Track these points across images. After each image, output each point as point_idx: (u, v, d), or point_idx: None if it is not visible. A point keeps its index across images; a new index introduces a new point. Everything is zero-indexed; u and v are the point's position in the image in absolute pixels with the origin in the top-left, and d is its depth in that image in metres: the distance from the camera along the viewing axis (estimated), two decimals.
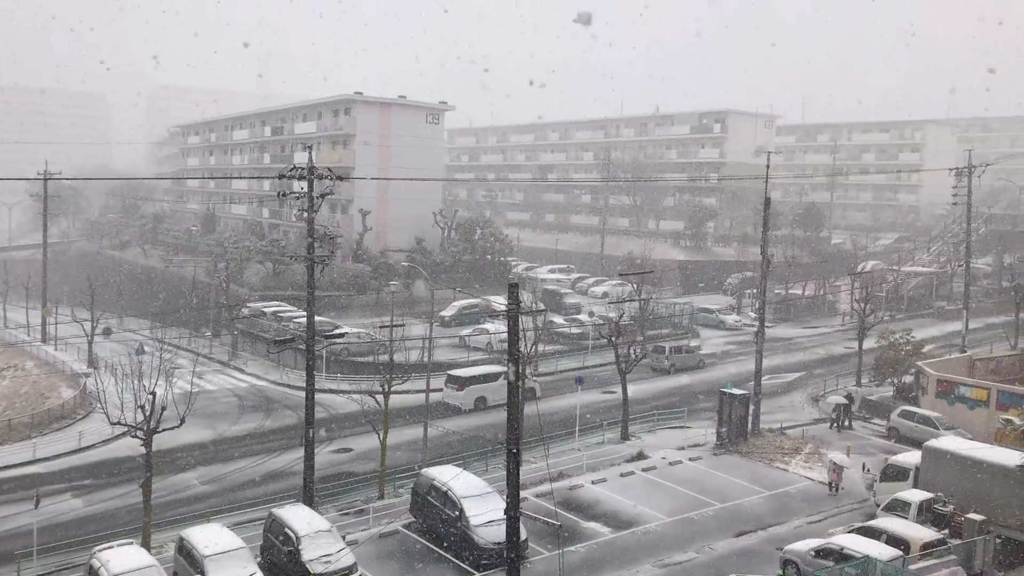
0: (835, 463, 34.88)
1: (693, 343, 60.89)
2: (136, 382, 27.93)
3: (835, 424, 43.51)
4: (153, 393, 27.82)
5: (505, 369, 48.86)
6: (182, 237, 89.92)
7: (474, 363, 53.30)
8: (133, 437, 28.81)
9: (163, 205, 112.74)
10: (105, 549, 25.33)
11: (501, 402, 42.90)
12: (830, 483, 34.94)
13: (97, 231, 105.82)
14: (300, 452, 33.81)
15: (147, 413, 27.85)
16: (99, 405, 30.42)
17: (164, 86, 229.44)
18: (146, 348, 48.88)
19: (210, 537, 26.06)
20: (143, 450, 28.41)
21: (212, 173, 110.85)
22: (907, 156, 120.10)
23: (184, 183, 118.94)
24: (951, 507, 28.90)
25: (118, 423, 28.55)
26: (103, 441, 40.90)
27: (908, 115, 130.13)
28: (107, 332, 60.16)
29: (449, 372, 48.23)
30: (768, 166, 47.40)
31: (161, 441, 29.80)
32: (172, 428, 28.85)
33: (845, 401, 43.87)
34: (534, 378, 46.75)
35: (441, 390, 46.41)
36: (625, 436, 41.26)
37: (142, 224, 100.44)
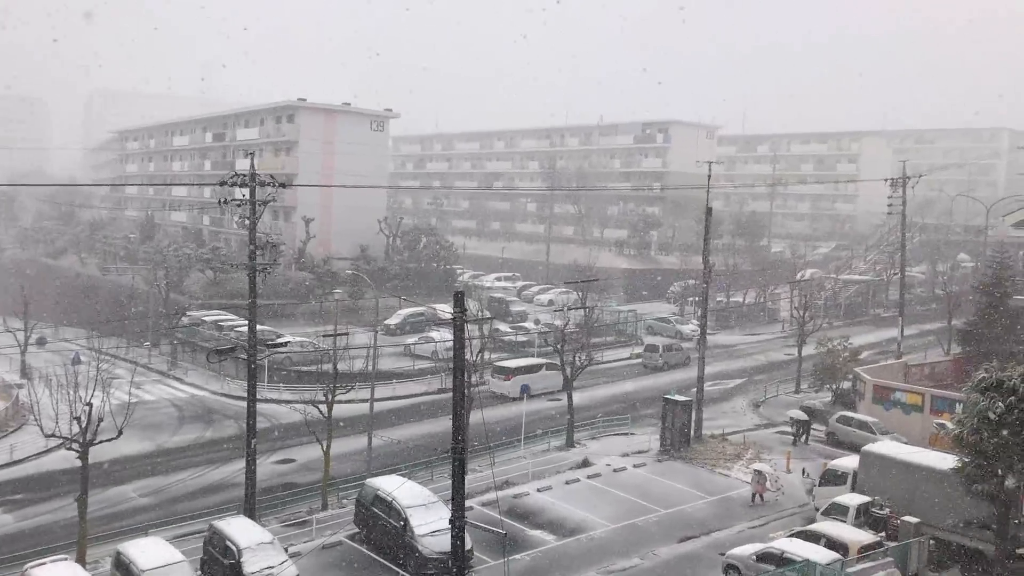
0: (758, 472, 34.91)
1: (684, 344, 62.48)
2: (72, 393, 27.25)
3: (796, 440, 42.47)
4: (89, 404, 27.18)
5: (545, 361, 52.74)
6: (120, 245, 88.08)
7: (420, 372, 53.39)
8: (68, 449, 28.11)
9: (101, 212, 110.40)
10: (38, 566, 24.61)
11: (543, 391, 50.16)
12: (753, 493, 34.74)
13: (31, 238, 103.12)
14: (241, 463, 33.26)
15: (83, 425, 27.19)
16: (32, 417, 29.59)
17: (101, 90, 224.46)
18: (82, 358, 47.74)
19: (148, 551, 25.49)
20: (79, 463, 27.73)
21: (152, 179, 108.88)
22: (844, 167, 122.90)
23: (123, 190, 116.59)
24: (888, 510, 29.57)
25: (52, 435, 27.81)
26: (36, 454, 39.78)
27: (846, 126, 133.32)
28: (41, 342, 58.66)
29: (496, 364, 51.85)
30: (709, 176, 48.10)
31: (98, 453, 29.11)
32: (109, 440, 28.17)
33: (805, 417, 43.13)
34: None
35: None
36: (571, 443, 41.43)
37: (78, 231, 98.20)
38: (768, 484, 34.89)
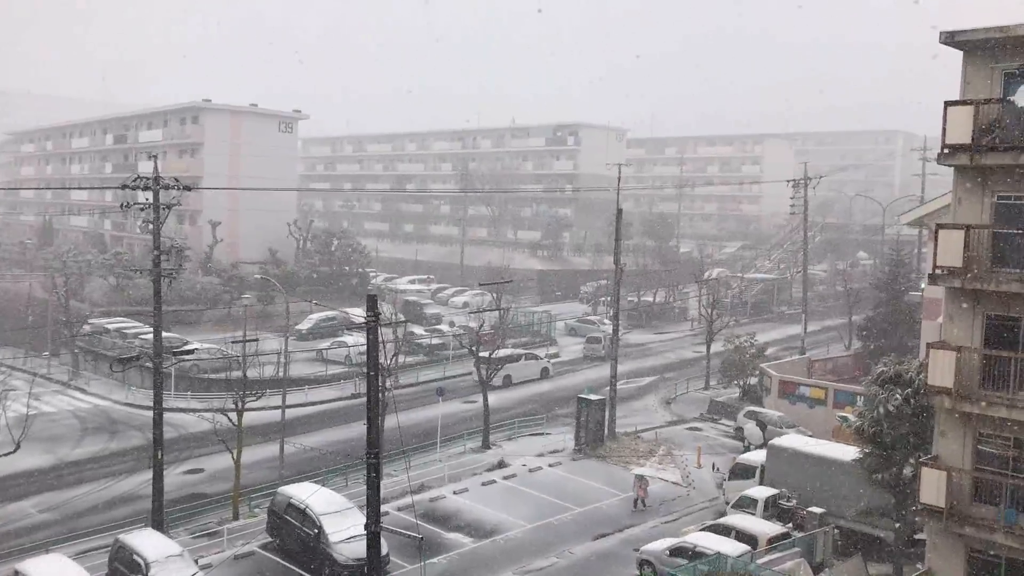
0: (639, 477, 34.54)
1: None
2: None
3: (747, 448, 39.72)
4: None
5: (525, 351, 55.64)
6: (16, 250, 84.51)
7: (333, 377, 52.78)
8: None
9: None
10: None
11: (524, 379, 54.00)
12: (635, 499, 34.10)
13: None
14: (148, 475, 32.26)
15: None
16: None
17: None
18: None
19: (50, 569, 24.57)
20: None
21: (49, 183, 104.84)
22: (749, 168, 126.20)
23: (17, 193, 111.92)
24: (794, 502, 30.50)
25: None
26: None
27: (749, 128, 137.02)
28: None
29: (479, 354, 50.42)
30: (619, 178, 48.84)
31: None
32: (6, 454, 27.02)
33: (759, 431, 40.67)
34: None
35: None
36: (486, 445, 41.48)
37: None
38: (649, 488, 34.38)
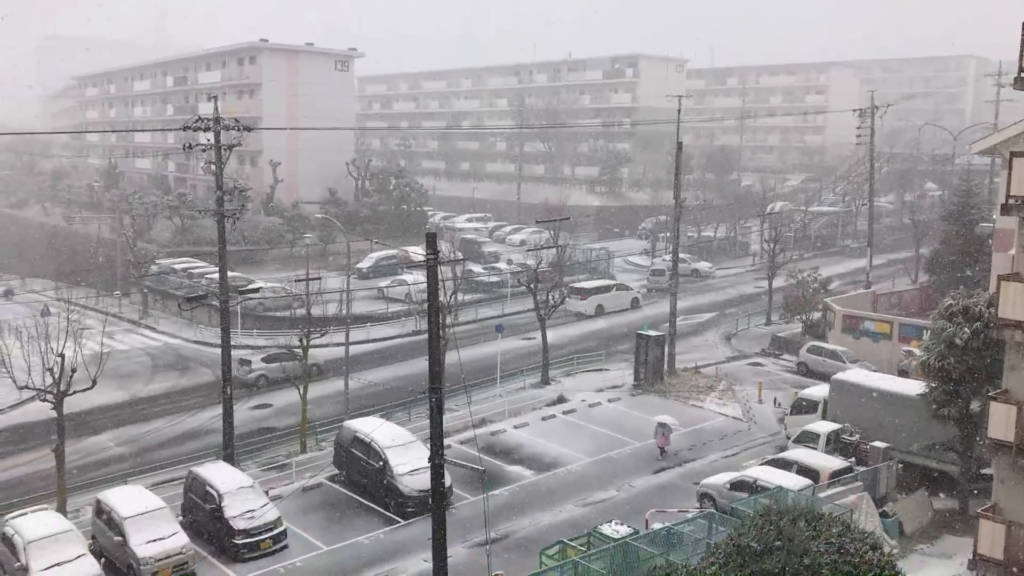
0: (661, 425, 33.08)
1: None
2: (43, 344, 27.02)
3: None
4: (62, 355, 26.98)
5: (616, 282, 57.77)
6: (84, 194, 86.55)
7: (394, 314, 53.51)
8: (43, 401, 27.97)
9: (62, 161, 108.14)
10: (19, 516, 24.67)
11: (615, 309, 56.32)
12: (659, 447, 32.95)
13: None
14: (218, 410, 33.29)
15: (56, 376, 27.02)
16: (4, 369, 29.31)
17: (52, 36, 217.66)
18: (52, 309, 47.22)
19: (129, 498, 25.62)
20: (54, 414, 27.63)
21: (113, 126, 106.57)
22: (813, 98, 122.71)
23: (84, 137, 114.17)
24: (857, 436, 30.24)
25: (26, 387, 27.67)
26: (10, 406, 39.52)
27: (814, 57, 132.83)
28: (8, 294, 57.95)
29: (572, 285, 55.68)
30: (679, 110, 47.91)
31: (72, 404, 28.97)
32: (83, 390, 28.06)
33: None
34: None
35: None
36: (545, 381, 41.80)
37: (40, 181, 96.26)
38: (672, 436, 33.27)
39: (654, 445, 33.15)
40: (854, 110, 60.16)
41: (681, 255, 69.50)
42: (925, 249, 57.33)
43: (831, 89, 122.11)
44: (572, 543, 23.00)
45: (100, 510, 25.64)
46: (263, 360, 42.98)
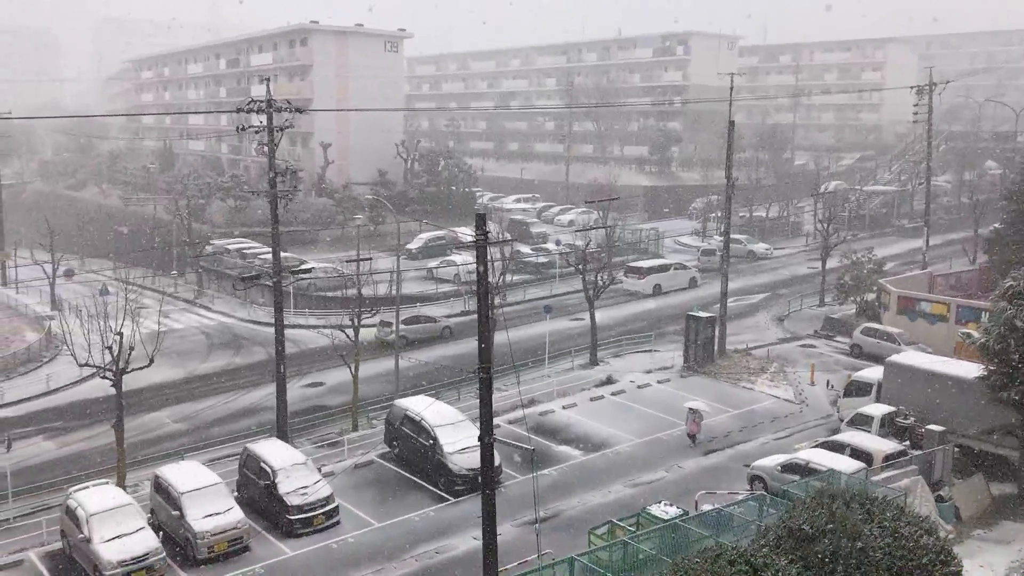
0: (693, 411, 32.20)
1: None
2: (102, 323, 27.66)
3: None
4: (120, 334, 27.60)
5: (674, 262, 57.72)
6: (140, 175, 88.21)
7: (443, 295, 53.78)
8: (102, 378, 28.65)
9: (118, 143, 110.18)
10: (81, 489, 25.38)
11: (673, 288, 56.12)
12: (689, 434, 32.23)
13: (52, 171, 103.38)
14: (271, 388, 33.87)
15: (115, 354, 27.67)
16: (65, 347, 30.10)
17: (109, 19, 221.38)
18: (110, 289, 48.30)
19: (186, 474, 26.21)
20: (112, 391, 28.31)
21: (168, 108, 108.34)
22: (869, 75, 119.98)
23: (139, 119, 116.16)
24: (912, 419, 29.74)
25: (86, 364, 28.39)
26: (71, 383, 40.62)
27: (870, 33, 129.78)
28: (69, 274, 59.31)
29: (629, 264, 57.44)
30: (732, 88, 47.22)
31: (130, 381, 29.66)
32: (141, 368, 28.70)
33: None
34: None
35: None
36: (594, 361, 41.74)
37: (98, 163, 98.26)
38: (703, 422, 32.52)
39: (705, 426, 32.81)
40: (912, 87, 58.71)
41: (737, 236, 68.84)
42: (984, 229, 55.90)
43: (888, 66, 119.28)
44: (621, 523, 23.02)
45: (159, 486, 26.28)
46: (403, 322, 45.07)
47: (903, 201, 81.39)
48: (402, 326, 44.74)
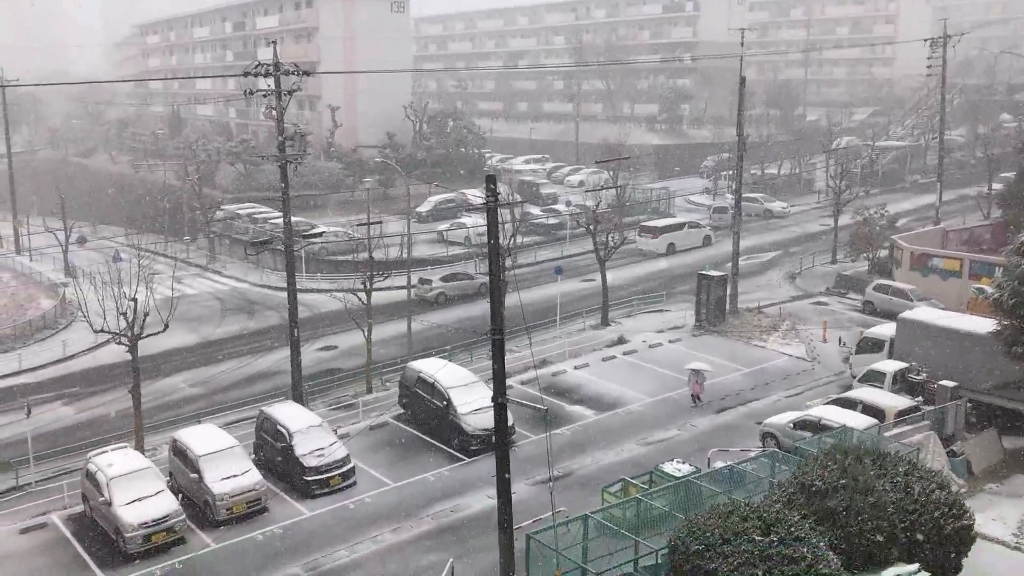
0: (695, 372, 32.15)
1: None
2: (116, 289, 27.84)
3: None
4: (134, 299, 27.79)
5: (687, 220, 57.59)
6: (149, 141, 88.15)
7: (454, 257, 53.78)
8: (118, 344, 28.91)
9: (127, 109, 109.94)
10: (100, 454, 25.73)
11: (687, 247, 55.87)
12: (692, 395, 32.28)
13: (61, 138, 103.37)
14: (285, 352, 34.14)
15: (130, 319, 27.88)
16: (80, 314, 30.31)
17: None
18: (123, 255, 48.53)
19: (203, 437, 26.53)
20: (129, 356, 28.57)
21: (175, 73, 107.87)
22: (881, 28, 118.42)
23: (147, 85, 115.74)
24: (924, 375, 29.75)
25: (102, 331, 28.62)
26: (87, 349, 41.04)
27: None
28: (82, 241, 59.56)
29: (642, 223, 57.44)
30: (743, 44, 46.73)
31: (146, 347, 29.93)
32: (156, 333, 28.93)
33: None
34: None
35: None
36: (605, 322, 41.82)
37: (107, 129, 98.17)
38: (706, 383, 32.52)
39: (718, 384, 33.00)
40: (925, 40, 57.88)
41: (754, 195, 68.58)
42: (998, 184, 55.43)
43: (901, 18, 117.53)
44: (634, 481, 23.22)
45: (176, 449, 26.62)
46: (441, 279, 46.92)
47: (916, 156, 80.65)
48: (440, 283, 46.56)
